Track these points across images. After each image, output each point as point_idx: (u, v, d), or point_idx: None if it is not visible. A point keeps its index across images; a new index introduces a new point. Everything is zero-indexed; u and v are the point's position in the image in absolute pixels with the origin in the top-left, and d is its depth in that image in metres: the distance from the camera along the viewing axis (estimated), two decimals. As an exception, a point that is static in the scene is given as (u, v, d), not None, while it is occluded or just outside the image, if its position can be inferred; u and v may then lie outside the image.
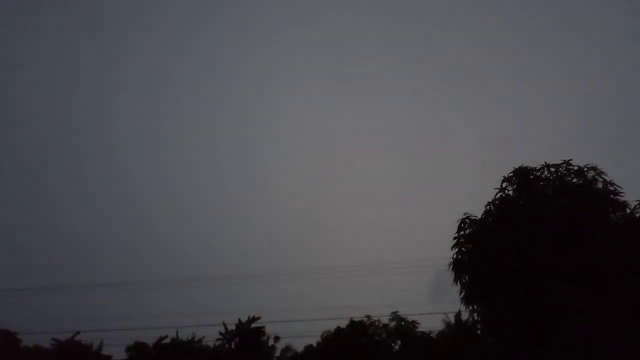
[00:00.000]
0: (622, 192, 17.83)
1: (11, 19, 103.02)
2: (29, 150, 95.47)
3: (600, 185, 18.12)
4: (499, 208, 18.99)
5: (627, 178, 18.45)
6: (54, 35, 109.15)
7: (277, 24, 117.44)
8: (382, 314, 41.50)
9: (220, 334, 45.93)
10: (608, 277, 15.78)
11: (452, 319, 38.67)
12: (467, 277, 18.74)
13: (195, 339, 45.93)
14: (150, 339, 45.38)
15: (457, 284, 18.90)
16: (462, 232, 19.17)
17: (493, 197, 19.23)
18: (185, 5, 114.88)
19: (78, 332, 44.54)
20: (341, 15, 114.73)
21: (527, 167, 19.13)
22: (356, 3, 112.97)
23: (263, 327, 45.82)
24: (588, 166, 18.44)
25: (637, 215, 17.37)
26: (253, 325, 45.94)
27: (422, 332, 40.75)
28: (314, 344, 42.94)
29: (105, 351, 45.53)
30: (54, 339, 44.42)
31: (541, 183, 18.86)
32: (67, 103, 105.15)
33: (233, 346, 45.69)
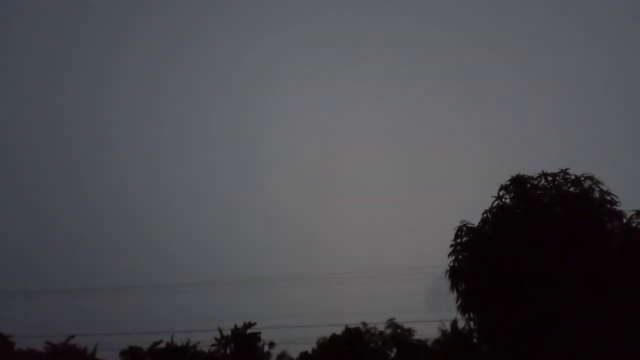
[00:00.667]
0: (619, 202, 17.92)
1: (9, 18, 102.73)
2: (24, 153, 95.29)
3: (597, 194, 18.19)
4: (496, 216, 19.03)
5: (624, 187, 18.56)
6: (50, 32, 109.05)
7: (277, 23, 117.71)
8: (378, 321, 41.47)
9: (216, 339, 45.79)
10: (605, 286, 15.80)
11: (448, 327, 38.62)
12: (463, 285, 18.75)
13: (190, 344, 45.72)
14: (144, 343, 45.22)
15: (453, 291, 18.90)
16: (459, 240, 19.19)
17: (490, 205, 19.28)
18: (183, 2, 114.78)
19: (72, 336, 44.36)
20: (341, 15, 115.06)
21: (524, 175, 19.18)
22: (356, 3, 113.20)
23: (259, 333, 45.69)
24: (585, 175, 18.52)
25: (634, 225, 17.42)
26: (248, 331, 45.81)
27: (418, 340, 40.69)
28: (310, 351, 42.81)
29: (99, 355, 45.34)
30: (48, 343, 44.18)
31: (538, 192, 18.92)
32: (67, 106, 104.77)
33: (228, 352, 45.52)
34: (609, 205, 17.90)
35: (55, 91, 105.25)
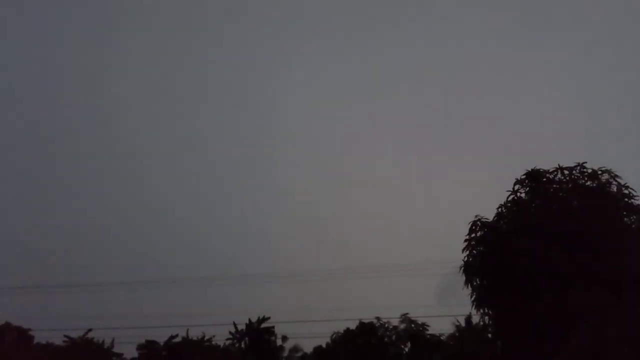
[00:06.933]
0: (637, 196, 17.67)
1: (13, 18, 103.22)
2: (46, 152, 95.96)
3: (614, 188, 17.96)
4: (511, 210, 18.88)
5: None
6: (54, 31, 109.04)
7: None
8: (392, 316, 41.44)
9: (230, 333, 46.21)
10: (622, 280, 15.62)
11: (462, 322, 38.48)
12: (478, 279, 18.66)
13: (205, 338, 46.18)
14: (161, 337, 45.77)
15: (468, 286, 18.82)
16: (473, 235, 19.08)
17: (505, 199, 19.12)
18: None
19: (90, 330, 45.03)
20: (345, 13, 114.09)
21: (539, 169, 19.00)
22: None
23: (273, 327, 45.99)
24: (602, 169, 18.28)
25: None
26: (263, 325, 46.13)
27: (432, 335, 40.58)
28: (324, 345, 42.97)
29: (116, 349, 45.98)
30: (66, 337, 44.94)
31: (554, 186, 18.72)
32: (73, 104, 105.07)
33: (243, 346, 45.91)
34: (626, 200, 17.67)
35: (55, 89, 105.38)
